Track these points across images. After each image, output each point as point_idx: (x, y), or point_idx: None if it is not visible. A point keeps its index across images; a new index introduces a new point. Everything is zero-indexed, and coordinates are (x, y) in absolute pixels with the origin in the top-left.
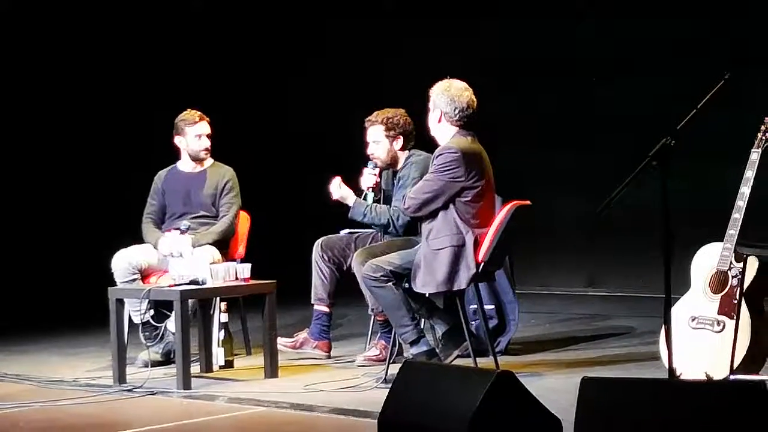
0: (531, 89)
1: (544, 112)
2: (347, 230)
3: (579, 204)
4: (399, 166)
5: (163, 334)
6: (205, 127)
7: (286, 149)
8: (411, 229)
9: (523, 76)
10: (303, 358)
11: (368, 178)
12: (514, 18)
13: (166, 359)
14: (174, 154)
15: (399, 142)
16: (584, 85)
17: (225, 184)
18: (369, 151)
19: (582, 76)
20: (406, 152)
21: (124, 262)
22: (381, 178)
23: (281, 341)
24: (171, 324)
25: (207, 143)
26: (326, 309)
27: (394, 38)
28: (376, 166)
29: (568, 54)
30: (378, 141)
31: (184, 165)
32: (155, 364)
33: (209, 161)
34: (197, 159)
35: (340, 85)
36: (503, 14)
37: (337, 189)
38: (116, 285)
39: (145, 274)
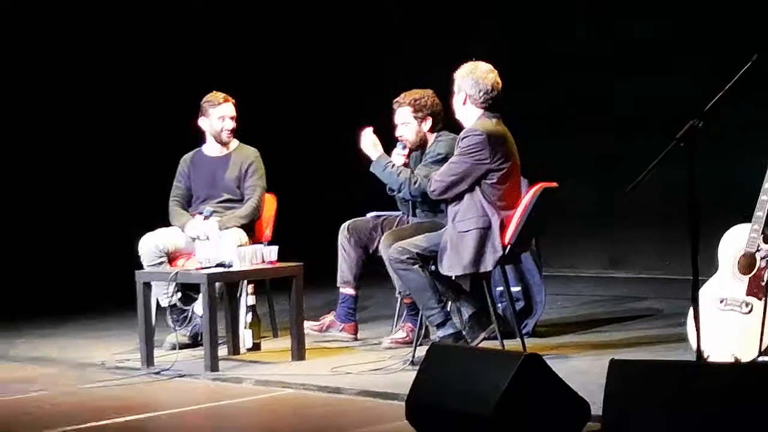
0: (553, 73)
1: (571, 92)
2: (374, 213)
3: (606, 186)
4: (428, 148)
5: (190, 317)
6: (229, 109)
7: (313, 132)
8: (431, 204)
9: (545, 61)
10: (330, 341)
11: (397, 158)
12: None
13: (194, 342)
14: (198, 138)
15: (428, 123)
16: (607, 68)
17: (249, 167)
18: (398, 132)
19: (603, 59)
20: (435, 134)
21: (150, 245)
22: (410, 160)
23: (307, 324)
24: (198, 307)
25: (231, 125)
26: (352, 292)
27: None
28: (405, 147)
29: (588, 43)
30: (407, 122)
31: (209, 148)
32: (183, 346)
33: (234, 144)
34: (221, 141)
35: (344, 75)
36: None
37: (368, 140)
38: (143, 268)
39: (172, 257)
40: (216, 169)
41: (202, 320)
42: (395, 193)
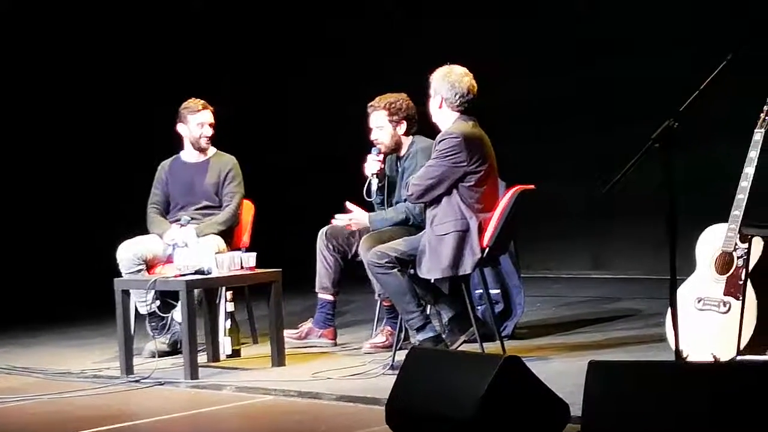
0: (534, 72)
1: (547, 96)
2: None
3: (582, 186)
4: (403, 151)
5: (169, 325)
6: (207, 116)
7: (291, 138)
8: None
9: (525, 60)
10: (309, 346)
11: (372, 164)
12: (513, 3)
13: (173, 349)
14: (177, 145)
15: (402, 127)
16: (584, 67)
17: (227, 173)
18: (372, 136)
19: (581, 58)
20: (410, 138)
21: (129, 253)
22: (385, 164)
23: (286, 333)
24: (177, 314)
25: (209, 132)
26: (330, 297)
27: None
28: (380, 152)
29: (571, 36)
30: (381, 126)
31: (188, 155)
32: (162, 354)
33: (212, 151)
34: (199, 147)
35: (344, 75)
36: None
37: (354, 217)
38: (121, 276)
39: (150, 265)
40: (194, 175)
41: (180, 327)
42: (372, 199)
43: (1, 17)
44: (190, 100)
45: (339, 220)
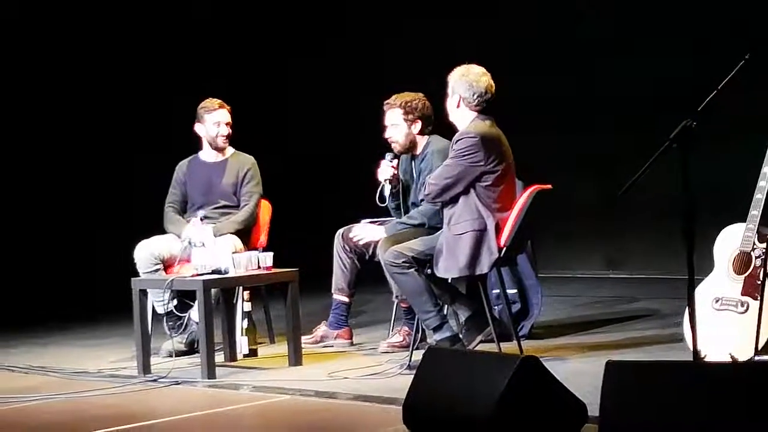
0: (549, 71)
1: (563, 95)
2: (367, 220)
3: (600, 186)
4: (418, 151)
5: (186, 324)
6: (224, 115)
7: (310, 138)
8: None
9: (541, 58)
10: (327, 346)
11: (386, 169)
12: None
13: (190, 349)
14: (196, 145)
15: (417, 126)
16: (603, 67)
17: (246, 173)
18: (387, 134)
19: (601, 57)
20: (425, 137)
21: (146, 252)
22: (399, 164)
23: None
24: (194, 313)
25: (225, 131)
26: (345, 299)
27: (409, 22)
28: (394, 158)
29: (586, 35)
30: (396, 124)
31: (206, 154)
32: (179, 353)
33: (230, 150)
34: (216, 147)
35: (360, 71)
36: None
37: (364, 233)
38: (139, 276)
39: (167, 264)
40: (212, 175)
41: (198, 327)
42: (386, 204)
43: (10, 24)
44: (207, 100)
45: (356, 233)
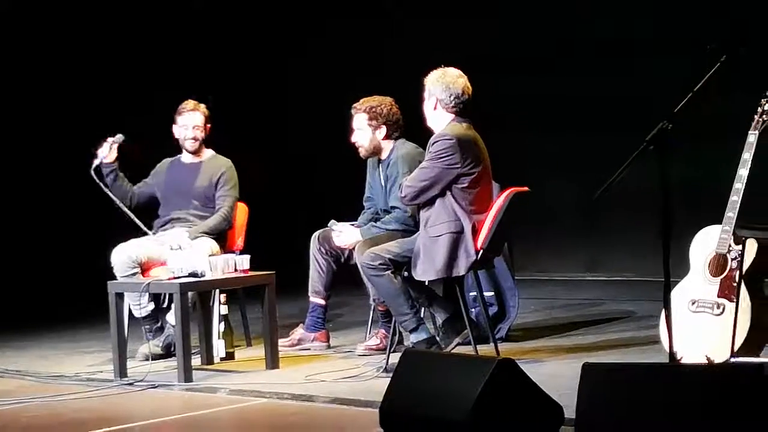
0: (527, 72)
1: (539, 95)
2: (332, 221)
3: (576, 189)
4: (384, 155)
5: (163, 327)
6: (192, 118)
7: (286, 141)
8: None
9: (518, 60)
10: (304, 349)
11: (341, 227)
12: (510, 3)
13: (167, 352)
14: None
15: (381, 132)
16: (580, 68)
17: (220, 177)
18: (353, 138)
19: (578, 59)
20: (391, 142)
21: (123, 255)
22: (368, 164)
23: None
24: (171, 317)
25: (193, 134)
26: (322, 302)
27: (394, 23)
28: (335, 223)
29: (564, 35)
30: (361, 129)
31: (186, 156)
32: (156, 357)
33: (208, 153)
34: (186, 149)
35: (341, 74)
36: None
37: (344, 238)
38: (116, 279)
39: (144, 268)
40: (186, 176)
41: (174, 330)
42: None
43: (7, 16)
44: (186, 101)
45: (333, 230)
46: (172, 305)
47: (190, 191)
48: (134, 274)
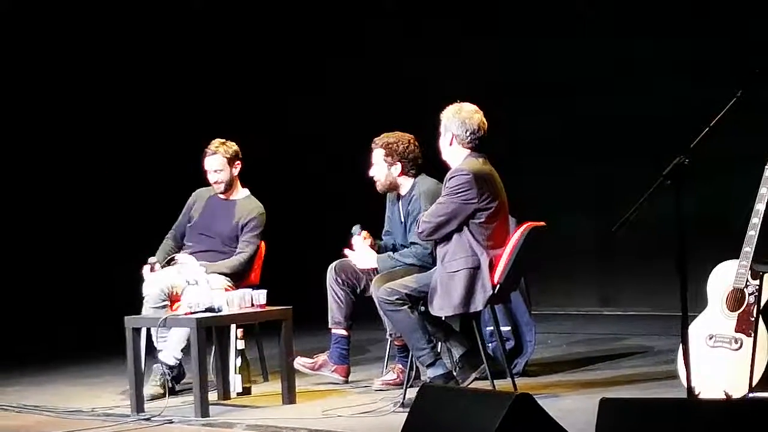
0: (541, 109)
1: (555, 132)
2: (347, 250)
3: (593, 224)
4: (403, 191)
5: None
6: (212, 163)
7: (302, 173)
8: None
9: (533, 96)
10: (320, 383)
11: (359, 244)
12: (521, 36)
13: (166, 390)
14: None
15: (397, 168)
16: (596, 104)
17: (249, 221)
18: (370, 172)
19: (595, 95)
20: (410, 179)
21: (156, 289)
22: (388, 201)
23: (300, 361)
24: (162, 355)
25: (215, 178)
26: (344, 332)
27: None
28: (359, 233)
29: (578, 72)
30: (377, 164)
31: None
32: (156, 397)
33: (243, 193)
34: (215, 192)
35: (357, 102)
36: (506, 34)
37: (358, 258)
38: (135, 312)
39: (173, 300)
40: (217, 212)
41: (165, 368)
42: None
43: (7, 16)
44: (211, 142)
45: (353, 256)
46: (164, 343)
47: (217, 228)
48: (164, 307)
